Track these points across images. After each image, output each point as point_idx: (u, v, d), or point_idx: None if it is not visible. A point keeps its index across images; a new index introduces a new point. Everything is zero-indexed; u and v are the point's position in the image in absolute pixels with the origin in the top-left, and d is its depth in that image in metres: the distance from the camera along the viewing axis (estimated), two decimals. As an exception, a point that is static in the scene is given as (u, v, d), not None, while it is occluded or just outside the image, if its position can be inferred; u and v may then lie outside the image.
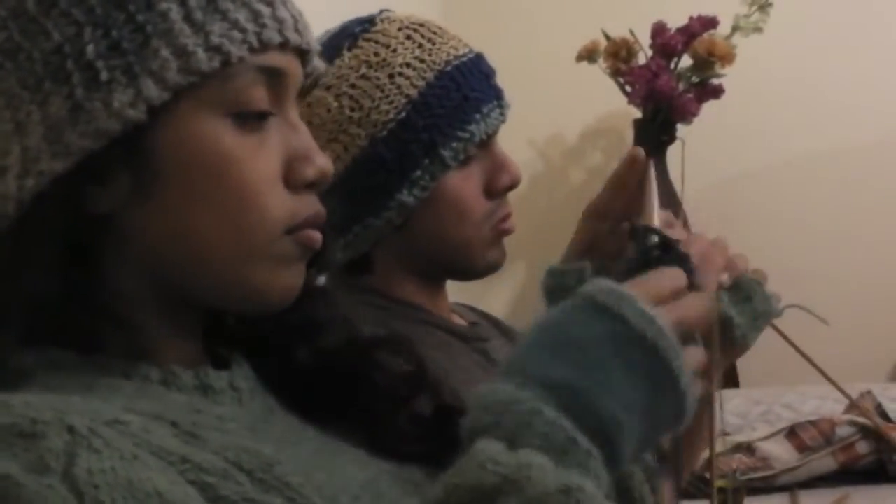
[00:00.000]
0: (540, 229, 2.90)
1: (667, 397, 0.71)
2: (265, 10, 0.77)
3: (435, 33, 1.34)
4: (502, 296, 2.90)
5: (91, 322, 0.75)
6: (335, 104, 1.31)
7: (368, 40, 1.33)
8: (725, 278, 0.89)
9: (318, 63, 0.83)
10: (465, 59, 1.34)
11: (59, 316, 0.74)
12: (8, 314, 0.74)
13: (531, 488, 0.63)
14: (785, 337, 0.94)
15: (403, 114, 1.30)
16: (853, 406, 2.65)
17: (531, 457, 0.65)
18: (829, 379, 0.99)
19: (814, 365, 0.98)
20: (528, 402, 0.68)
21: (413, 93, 1.30)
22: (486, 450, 0.66)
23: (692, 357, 0.74)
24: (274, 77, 0.78)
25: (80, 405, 0.67)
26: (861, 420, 2.56)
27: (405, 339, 0.95)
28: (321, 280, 0.89)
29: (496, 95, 1.35)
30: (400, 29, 1.33)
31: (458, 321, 1.42)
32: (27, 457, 0.62)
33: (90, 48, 0.73)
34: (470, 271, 1.37)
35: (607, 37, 2.88)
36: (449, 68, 1.32)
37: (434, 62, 1.32)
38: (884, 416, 2.63)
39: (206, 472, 0.67)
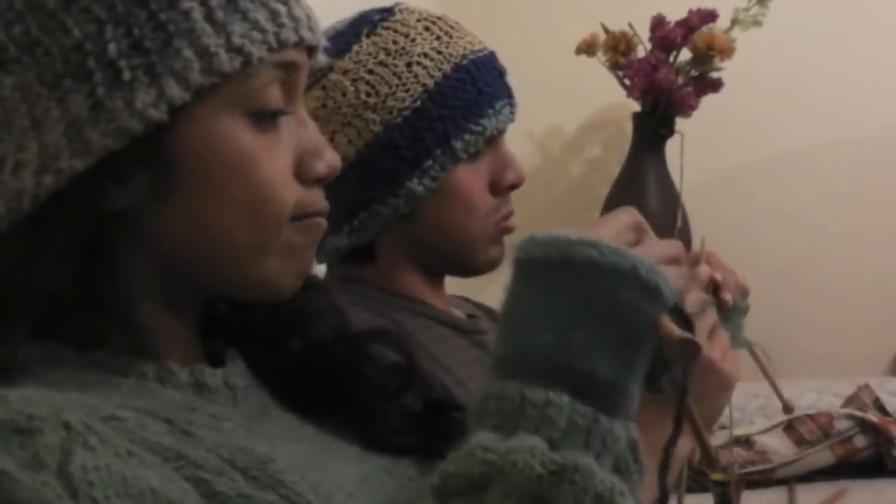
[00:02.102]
0: (538, 222, 2.89)
1: (610, 289, 0.67)
2: (282, 9, 0.77)
3: (452, 27, 1.36)
4: (501, 289, 2.90)
5: (93, 318, 0.75)
6: (351, 88, 1.32)
7: (387, 28, 1.34)
8: (729, 298, 0.88)
9: (321, 57, 0.83)
10: (480, 54, 1.36)
11: (64, 310, 0.74)
12: (18, 309, 0.73)
13: (517, 475, 0.63)
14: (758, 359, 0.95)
15: (419, 102, 1.31)
16: (851, 400, 2.65)
17: (522, 441, 0.64)
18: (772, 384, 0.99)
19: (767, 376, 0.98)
20: (484, 388, 0.68)
21: (430, 82, 1.31)
22: (477, 437, 0.66)
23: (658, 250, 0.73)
24: (289, 73, 0.78)
25: (77, 401, 0.67)
26: (859, 414, 2.57)
27: (395, 331, 0.95)
28: (320, 271, 0.89)
29: (508, 94, 1.37)
30: (419, 20, 1.35)
31: (457, 314, 1.42)
32: (23, 453, 0.62)
33: (112, 46, 0.73)
34: (470, 267, 1.37)
35: (606, 30, 2.87)
36: (465, 62, 1.34)
37: (451, 55, 1.33)
38: (882, 409, 2.63)
39: (201, 469, 0.68)
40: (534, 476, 0.63)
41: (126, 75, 0.73)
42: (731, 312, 0.90)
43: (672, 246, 0.76)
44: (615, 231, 0.74)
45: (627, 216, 0.76)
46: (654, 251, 0.73)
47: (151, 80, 0.73)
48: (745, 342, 0.93)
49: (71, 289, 0.73)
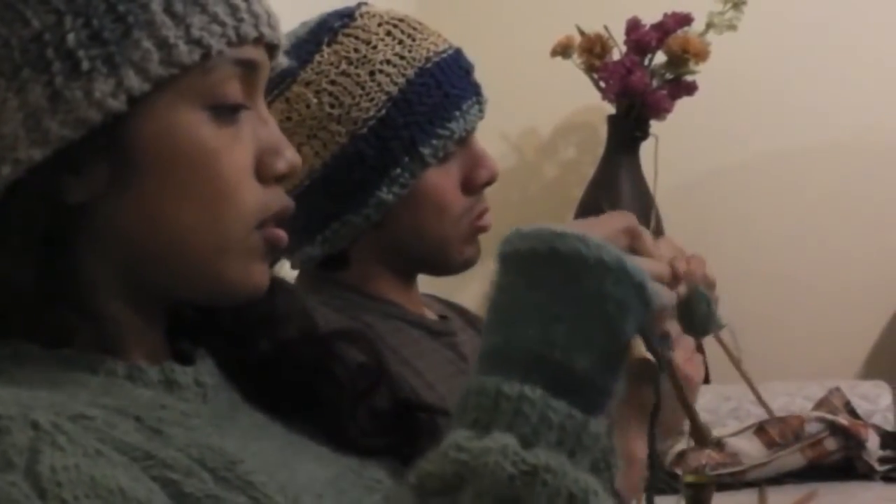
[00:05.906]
0: (513, 224, 2.90)
1: (596, 283, 0.67)
2: (242, 4, 0.77)
3: (415, 29, 1.34)
4: (474, 290, 2.90)
5: (60, 313, 0.74)
6: (315, 101, 1.30)
7: (348, 35, 1.32)
8: (682, 290, 0.85)
9: (282, 59, 0.84)
10: (445, 55, 1.33)
11: (30, 306, 0.73)
12: None
13: (489, 476, 0.63)
14: (726, 348, 0.92)
15: (384, 111, 1.29)
16: (822, 403, 2.67)
17: (496, 440, 0.64)
18: (754, 390, 0.97)
19: (745, 378, 0.96)
20: (466, 383, 0.68)
21: (393, 90, 1.30)
22: (453, 435, 0.66)
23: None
24: (249, 70, 0.78)
25: (45, 400, 0.67)
26: (830, 417, 2.58)
27: (362, 332, 0.95)
28: (287, 272, 0.88)
29: (475, 92, 1.35)
30: (380, 24, 1.33)
31: (429, 315, 1.42)
32: None
33: (71, 37, 0.73)
34: (446, 267, 1.37)
35: (582, 32, 2.88)
36: (429, 65, 1.32)
37: (414, 59, 1.31)
38: (853, 413, 2.65)
39: (169, 469, 0.67)
40: (505, 477, 0.63)
41: (85, 65, 0.73)
42: (696, 302, 0.87)
43: (660, 263, 0.74)
44: (606, 234, 0.72)
45: (621, 219, 0.74)
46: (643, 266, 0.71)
47: (110, 70, 0.73)
48: (716, 326, 0.90)
49: (34, 282, 0.73)
